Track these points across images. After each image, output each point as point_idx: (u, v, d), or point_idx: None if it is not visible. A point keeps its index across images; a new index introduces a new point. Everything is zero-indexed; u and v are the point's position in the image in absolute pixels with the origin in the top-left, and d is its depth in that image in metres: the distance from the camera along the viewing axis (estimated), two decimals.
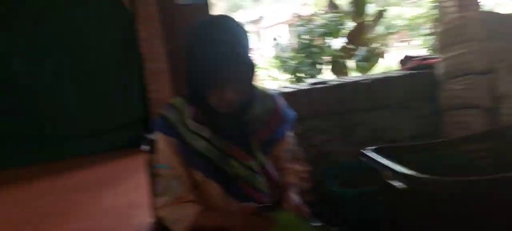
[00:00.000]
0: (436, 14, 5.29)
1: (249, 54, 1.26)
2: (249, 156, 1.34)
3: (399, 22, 11.37)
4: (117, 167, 3.95)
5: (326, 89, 2.45)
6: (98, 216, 2.65)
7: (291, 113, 1.47)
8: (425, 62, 3.75)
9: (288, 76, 6.83)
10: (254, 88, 1.36)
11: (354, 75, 5.77)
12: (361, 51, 6.88)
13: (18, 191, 3.56)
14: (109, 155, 4.52)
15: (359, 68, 6.66)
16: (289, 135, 1.47)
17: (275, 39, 6.69)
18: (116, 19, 4.74)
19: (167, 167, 1.37)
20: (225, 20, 1.25)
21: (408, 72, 3.46)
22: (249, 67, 1.27)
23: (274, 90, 1.49)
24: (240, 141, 1.34)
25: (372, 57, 6.84)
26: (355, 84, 2.53)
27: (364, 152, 1.93)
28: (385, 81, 2.68)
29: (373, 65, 6.89)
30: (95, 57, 4.75)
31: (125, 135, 4.76)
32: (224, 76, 1.21)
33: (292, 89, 2.39)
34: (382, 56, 7.13)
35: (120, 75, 4.85)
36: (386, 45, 7.32)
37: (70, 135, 4.66)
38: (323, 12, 7.14)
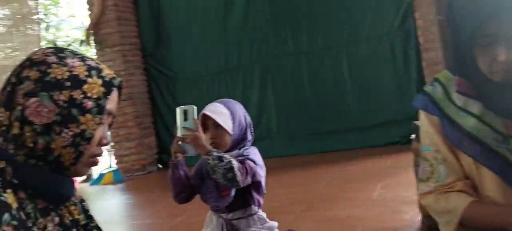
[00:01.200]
0: None
1: None
2: None
3: None
4: (389, 161, 3.85)
5: None
6: (367, 205, 2.62)
7: None
8: None
9: None
10: None
11: None
12: None
13: (302, 175, 3.98)
14: (383, 149, 4.48)
15: None
16: None
17: None
18: (394, 10, 4.66)
19: (431, 149, 1.15)
20: None
21: None
22: None
23: None
24: None
25: None
26: None
27: None
28: None
29: None
30: (372, 50, 4.81)
31: (400, 130, 4.62)
32: (493, 29, 0.91)
33: None
34: None
35: (397, 67, 4.73)
36: None
37: (348, 128, 4.87)
38: None
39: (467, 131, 1.04)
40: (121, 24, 5.66)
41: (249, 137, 1.78)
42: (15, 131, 0.82)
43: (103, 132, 0.90)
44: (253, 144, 1.83)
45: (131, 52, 5.77)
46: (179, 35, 5.72)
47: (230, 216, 1.72)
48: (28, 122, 0.82)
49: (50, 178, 0.84)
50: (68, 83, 0.84)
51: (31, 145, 0.81)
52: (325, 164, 4.19)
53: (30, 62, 0.86)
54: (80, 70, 0.87)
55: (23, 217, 0.78)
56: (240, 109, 1.76)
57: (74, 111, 0.84)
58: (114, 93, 0.92)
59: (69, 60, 0.87)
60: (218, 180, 1.57)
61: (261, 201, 1.79)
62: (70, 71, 0.86)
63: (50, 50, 0.89)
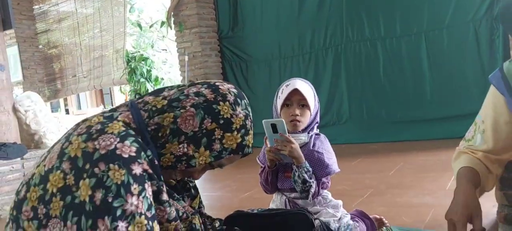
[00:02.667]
0: None
1: None
2: None
3: None
4: None
5: None
6: (439, 195, 2.53)
7: None
8: None
9: None
10: None
11: None
12: None
13: (371, 162, 3.91)
14: (460, 142, 4.24)
15: None
16: None
17: None
18: None
19: (480, 118, 1.23)
20: None
21: None
22: None
23: None
24: None
25: None
26: None
27: None
28: None
29: None
30: (454, 38, 4.52)
31: None
32: None
33: None
34: None
35: (481, 57, 4.41)
36: None
37: (424, 119, 4.64)
38: None
39: None
40: (200, 6, 5.89)
41: (317, 118, 1.82)
42: (162, 113, 0.95)
43: (201, 172, 1.02)
44: (323, 129, 1.87)
45: (207, 34, 6.00)
46: (254, 18, 5.82)
47: (293, 195, 1.77)
48: (174, 120, 0.94)
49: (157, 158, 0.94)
50: (221, 122, 0.96)
51: (159, 134, 0.94)
52: (397, 153, 4.08)
53: (215, 88, 1.00)
54: (238, 122, 0.98)
55: (146, 151, 0.89)
56: (314, 91, 1.81)
57: (204, 140, 0.95)
58: (237, 156, 1.02)
59: (239, 109, 0.99)
60: (295, 187, 1.71)
61: (328, 183, 1.81)
62: (231, 117, 0.97)
63: (236, 91, 1.02)
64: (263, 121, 1.67)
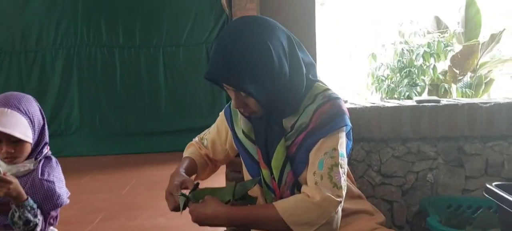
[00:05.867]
0: None
1: (251, 60, 1.11)
2: (265, 164, 1.25)
3: None
4: None
5: (436, 110, 2.09)
6: (173, 214, 2.53)
7: (341, 120, 1.18)
8: None
9: (380, 96, 6.44)
10: (283, 91, 1.16)
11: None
12: (467, 77, 6.30)
13: (104, 178, 3.63)
14: None
15: (463, 96, 6.06)
16: (329, 143, 1.16)
17: (372, 55, 6.36)
18: (213, 21, 4.71)
19: (209, 129, 1.51)
20: (235, 23, 1.20)
21: None
22: (247, 73, 1.11)
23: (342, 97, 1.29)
24: (263, 145, 1.25)
25: (479, 85, 6.25)
26: (473, 107, 2.11)
27: (490, 187, 1.56)
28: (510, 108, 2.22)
29: (478, 94, 6.25)
30: (189, 56, 4.77)
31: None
32: (217, 81, 1.17)
33: (394, 105, 2.08)
34: (490, 85, 6.51)
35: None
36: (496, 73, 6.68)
37: (159, 131, 4.68)
38: (427, 31, 6.63)
39: (243, 144, 1.33)
40: None
41: (46, 137, 1.53)
42: None
43: None
44: (49, 140, 1.57)
45: None
46: None
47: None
48: None
49: None
50: None
51: None
52: (130, 167, 3.96)
53: None
54: None
55: None
56: (36, 108, 1.50)
57: None
58: None
59: None
60: (14, 228, 1.40)
61: (57, 217, 1.57)
62: None
63: None
64: None
